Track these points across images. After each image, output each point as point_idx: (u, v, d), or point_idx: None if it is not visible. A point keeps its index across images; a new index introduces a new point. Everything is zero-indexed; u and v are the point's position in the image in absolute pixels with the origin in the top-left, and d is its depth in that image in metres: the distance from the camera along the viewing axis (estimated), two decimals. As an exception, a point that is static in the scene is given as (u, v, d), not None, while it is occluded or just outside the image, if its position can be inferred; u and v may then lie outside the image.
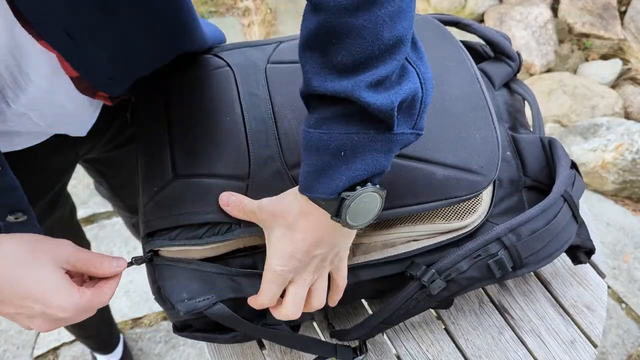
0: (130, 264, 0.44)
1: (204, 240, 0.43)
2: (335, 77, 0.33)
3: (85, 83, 0.45)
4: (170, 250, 0.44)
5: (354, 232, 0.42)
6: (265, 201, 0.41)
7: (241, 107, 0.49)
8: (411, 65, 0.35)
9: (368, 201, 0.36)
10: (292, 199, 0.40)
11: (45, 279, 0.36)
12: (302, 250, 0.39)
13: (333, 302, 0.46)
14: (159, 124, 0.50)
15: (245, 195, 0.44)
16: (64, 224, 0.68)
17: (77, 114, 0.50)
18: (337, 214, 0.36)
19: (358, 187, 0.35)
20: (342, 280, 0.44)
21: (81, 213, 1.47)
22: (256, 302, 0.42)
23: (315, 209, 0.37)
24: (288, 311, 0.42)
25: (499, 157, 0.46)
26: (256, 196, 0.44)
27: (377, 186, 0.36)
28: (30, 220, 0.42)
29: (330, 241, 0.40)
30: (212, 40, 0.55)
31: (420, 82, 0.35)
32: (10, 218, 0.41)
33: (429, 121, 0.46)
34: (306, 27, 0.33)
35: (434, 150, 0.45)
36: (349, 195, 0.35)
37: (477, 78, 0.51)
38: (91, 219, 1.50)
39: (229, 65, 0.53)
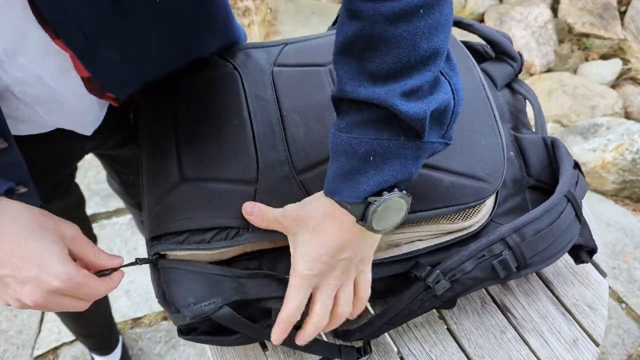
0: (134, 263, 0.43)
1: (212, 244, 0.43)
2: (369, 84, 0.33)
3: (96, 84, 0.44)
4: (176, 254, 0.44)
5: (378, 237, 0.42)
6: (289, 208, 0.41)
7: (248, 111, 0.49)
8: (444, 76, 0.36)
9: (394, 207, 0.36)
10: (317, 203, 0.40)
11: (46, 245, 0.36)
12: (328, 253, 0.39)
13: (354, 315, 0.45)
14: (165, 126, 0.49)
15: (254, 199, 0.44)
16: (70, 214, 0.68)
17: (84, 112, 0.49)
18: (362, 217, 0.36)
19: (385, 193, 0.35)
20: (364, 291, 0.44)
21: (82, 213, 1.47)
22: (283, 314, 0.42)
23: (340, 212, 0.38)
24: (315, 318, 0.41)
25: (504, 165, 0.46)
26: (264, 201, 0.44)
27: (404, 192, 0.36)
28: (31, 194, 0.42)
29: (355, 245, 0.40)
30: (241, 39, 0.55)
31: (453, 93, 0.36)
32: (16, 188, 0.40)
33: None
34: (343, 33, 0.34)
35: (441, 157, 0.45)
36: (375, 200, 0.35)
37: (483, 85, 0.51)
38: (91, 219, 1.50)
39: (235, 67, 0.53)
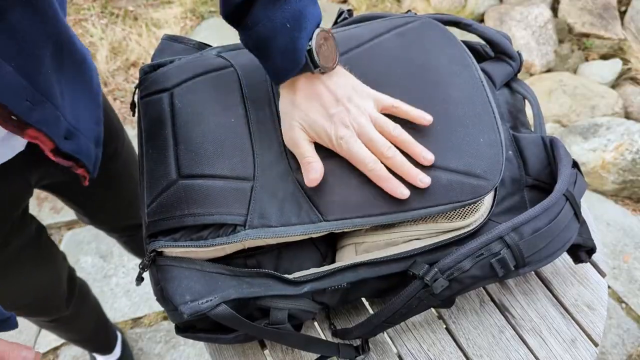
0: (141, 272, 0.44)
1: (208, 241, 0.43)
2: None
3: (2, 110, 0.41)
4: (173, 251, 0.44)
5: (339, 70, 0.47)
6: (286, 132, 0.47)
7: (245, 109, 0.49)
8: None
9: (323, 41, 0.44)
10: (283, 105, 0.47)
11: None
12: (326, 105, 0.45)
13: (419, 119, 0.47)
14: (163, 125, 0.49)
15: (250, 195, 0.44)
16: (33, 243, 0.68)
17: None
18: (314, 65, 0.43)
19: (312, 36, 0.43)
20: (393, 103, 0.47)
21: (81, 213, 1.47)
22: (378, 176, 0.44)
23: (296, 80, 0.45)
24: (386, 153, 0.44)
25: (502, 162, 0.46)
26: (262, 196, 0.44)
27: (321, 27, 0.44)
28: None
29: (332, 86, 0.45)
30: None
31: None
32: None
33: (434, 125, 0.47)
34: None
35: (438, 155, 0.45)
36: (310, 45, 0.43)
37: (482, 82, 0.51)
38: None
39: (232, 66, 0.53)
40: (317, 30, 0.43)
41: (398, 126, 0.46)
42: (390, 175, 0.44)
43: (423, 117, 0.46)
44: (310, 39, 0.43)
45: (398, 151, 0.45)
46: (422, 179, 0.43)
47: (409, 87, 0.50)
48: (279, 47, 0.42)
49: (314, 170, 0.44)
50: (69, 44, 0.51)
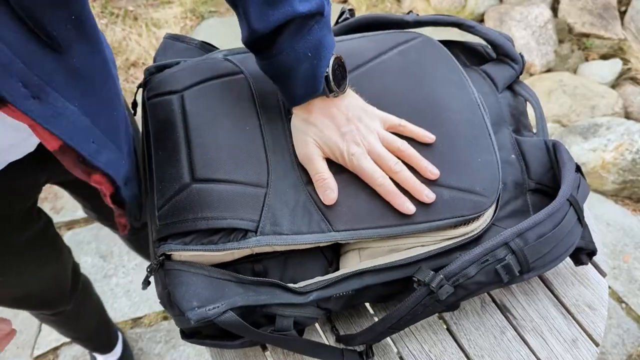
0: (147, 276, 0.44)
1: (219, 246, 0.43)
2: (274, 10, 0.41)
3: (71, 153, 0.40)
4: (182, 255, 0.44)
5: (348, 93, 0.49)
6: (301, 149, 0.48)
7: (259, 118, 0.50)
8: None
9: (337, 67, 0.46)
10: (297, 125, 0.49)
11: None
12: (339, 124, 0.47)
13: (422, 137, 0.49)
14: (174, 127, 0.49)
15: (263, 202, 0.45)
16: (40, 237, 0.69)
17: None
18: (330, 90, 0.46)
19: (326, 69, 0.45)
20: (399, 122, 0.50)
21: (81, 212, 1.47)
22: (386, 191, 0.46)
23: (311, 101, 0.47)
24: (394, 168, 0.46)
25: (499, 181, 0.48)
26: (274, 204, 0.45)
27: (334, 55, 0.46)
28: None
29: (343, 108, 0.48)
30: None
31: None
32: None
33: (434, 145, 0.49)
34: None
35: (440, 173, 0.47)
36: (326, 72, 0.45)
37: (478, 104, 0.53)
38: (90, 221, 1.50)
39: (242, 72, 0.53)
40: (332, 57, 0.46)
41: (405, 142, 0.48)
42: (398, 191, 0.46)
43: (427, 136, 0.49)
44: (327, 66, 0.45)
45: (405, 167, 0.47)
46: (428, 194, 0.46)
47: (411, 107, 0.52)
48: (301, 75, 0.45)
49: (330, 190, 0.46)
50: (115, 84, 0.51)
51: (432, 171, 0.47)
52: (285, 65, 0.44)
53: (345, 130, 0.47)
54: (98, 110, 0.43)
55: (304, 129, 0.48)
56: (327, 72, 0.45)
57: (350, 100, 0.49)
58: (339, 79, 0.47)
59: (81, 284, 0.89)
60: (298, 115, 0.49)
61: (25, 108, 0.33)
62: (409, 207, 0.45)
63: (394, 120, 0.50)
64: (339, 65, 0.47)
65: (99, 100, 0.43)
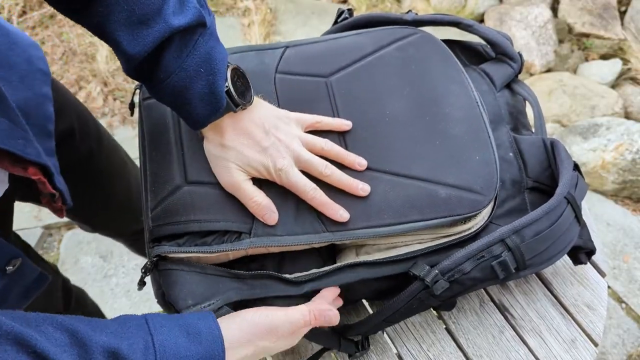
0: (143, 277, 0.44)
1: (212, 247, 0.43)
2: (148, 30, 0.38)
3: (6, 156, 0.41)
4: (176, 256, 0.44)
5: (258, 102, 0.47)
6: (225, 177, 0.46)
7: None
8: None
9: (237, 78, 0.44)
10: (210, 150, 0.46)
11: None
12: (257, 140, 0.44)
13: (339, 125, 0.49)
14: (167, 128, 0.49)
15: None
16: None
17: None
18: (235, 104, 0.43)
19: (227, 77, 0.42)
20: (316, 119, 0.48)
21: (81, 213, 1.47)
22: (319, 202, 0.45)
23: (220, 125, 0.44)
24: (325, 172, 0.45)
25: (497, 179, 0.47)
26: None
27: (230, 65, 0.43)
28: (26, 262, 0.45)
29: (257, 120, 0.45)
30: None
31: None
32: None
33: (432, 142, 0.49)
34: (94, 23, 0.39)
35: (437, 171, 0.47)
36: (227, 86, 0.42)
37: (477, 102, 0.52)
38: (91, 219, 1.50)
39: None
40: (229, 69, 0.43)
41: (327, 141, 0.47)
42: (329, 201, 0.45)
43: (344, 124, 0.49)
44: (225, 79, 0.42)
45: (335, 167, 0.46)
46: (363, 188, 0.46)
47: (410, 103, 0.51)
48: (197, 94, 0.41)
49: (269, 212, 0.45)
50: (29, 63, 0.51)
51: (360, 163, 0.46)
52: (179, 87, 0.41)
53: (267, 144, 0.44)
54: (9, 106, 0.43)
55: (221, 154, 0.45)
56: (227, 86, 0.42)
57: (262, 110, 0.46)
58: (242, 90, 0.44)
59: (74, 299, 0.86)
60: (211, 140, 0.45)
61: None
62: (342, 215, 0.45)
63: (309, 119, 0.48)
64: (238, 75, 0.44)
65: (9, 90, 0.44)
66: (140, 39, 0.38)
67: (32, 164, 0.43)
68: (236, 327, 0.39)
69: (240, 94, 0.44)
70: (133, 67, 0.40)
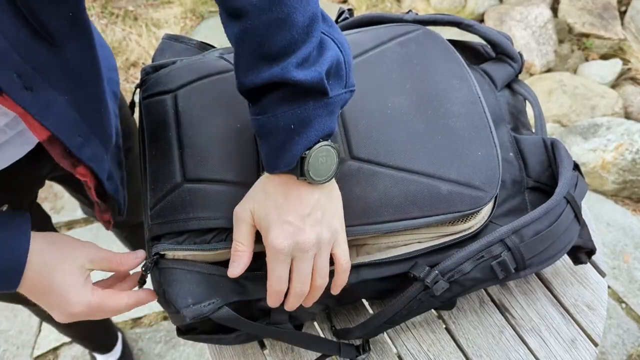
0: (143, 276, 0.44)
1: (212, 245, 0.43)
2: (267, 67, 0.37)
3: (59, 146, 0.40)
4: (176, 254, 0.44)
5: (332, 192, 0.43)
6: (238, 208, 0.43)
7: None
8: (326, 35, 0.39)
9: (325, 155, 0.40)
10: (257, 184, 0.43)
11: (65, 279, 0.41)
12: (289, 210, 0.40)
13: (336, 288, 0.44)
14: (167, 126, 0.49)
15: None
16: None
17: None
18: (301, 173, 0.40)
19: (314, 147, 0.40)
20: (343, 258, 0.43)
21: (81, 212, 1.47)
22: (270, 293, 0.42)
23: (283, 179, 0.41)
24: (296, 286, 0.41)
25: (499, 175, 0.47)
26: None
27: (329, 141, 0.40)
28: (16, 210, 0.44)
29: (310, 200, 0.41)
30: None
31: (338, 47, 0.40)
32: None
33: (434, 137, 0.48)
34: (232, 33, 0.38)
35: (438, 166, 0.46)
36: (306, 153, 0.39)
37: (479, 97, 0.52)
38: (91, 219, 1.50)
39: None
40: (323, 143, 0.39)
41: (325, 282, 0.43)
42: (277, 299, 0.43)
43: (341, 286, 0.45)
44: (310, 148, 0.39)
45: (305, 292, 0.43)
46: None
47: (412, 97, 0.51)
48: (275, 143, 0.40)
49: (236, 263, 0.42)
50: (103, 81, 0.51)
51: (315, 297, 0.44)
52: (265, 127, 0.39)
53: (291, 219, 0.40)
54: (86, 105, 0.43)
55: (254, 191, 0.43)
56: (305, 154, 0.39)
57: (322, 198, 0.42)
58: (321, 168, 0.40)
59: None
60: (264, 178, 0.43)
61: (18, 98, 0.33)
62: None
63: (343, 249, 0.43)
64: (328, 156, 0.40)
65: (87, 96, 0.43)
66: (255, 72, 0.38)
67: (83, 164, 0.44)
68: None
69: (315, 171, 0.40)
70: (239, 90, 0.41)
